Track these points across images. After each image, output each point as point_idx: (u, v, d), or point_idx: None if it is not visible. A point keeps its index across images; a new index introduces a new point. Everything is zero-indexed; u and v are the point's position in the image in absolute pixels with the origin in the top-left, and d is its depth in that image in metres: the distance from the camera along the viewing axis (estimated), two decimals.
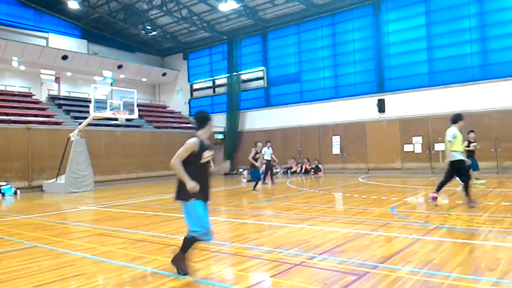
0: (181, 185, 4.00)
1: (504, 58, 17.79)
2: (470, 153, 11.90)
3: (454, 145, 7.95)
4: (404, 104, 19.90)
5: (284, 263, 4.56)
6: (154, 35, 27.34)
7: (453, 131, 8.02)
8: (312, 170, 21.33)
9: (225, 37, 26.55)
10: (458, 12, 18.93)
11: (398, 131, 19.79)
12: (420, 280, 3.82)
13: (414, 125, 19.36)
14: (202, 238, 4.11)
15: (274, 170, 18.19)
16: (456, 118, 8.20)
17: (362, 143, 20.74)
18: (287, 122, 23.53)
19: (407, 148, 19.44)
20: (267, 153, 14.40)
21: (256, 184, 13.29)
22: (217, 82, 27.76)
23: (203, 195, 4.09)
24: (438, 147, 18.46)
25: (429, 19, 19.77)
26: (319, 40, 23.19)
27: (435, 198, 8.46)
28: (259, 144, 13.51)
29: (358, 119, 21.04)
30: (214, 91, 28.00)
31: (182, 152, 4.01)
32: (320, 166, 21.25)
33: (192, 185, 3.90)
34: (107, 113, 16.58)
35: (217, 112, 26.91)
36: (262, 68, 25.35)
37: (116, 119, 17.32)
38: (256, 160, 13.26)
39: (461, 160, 7.99)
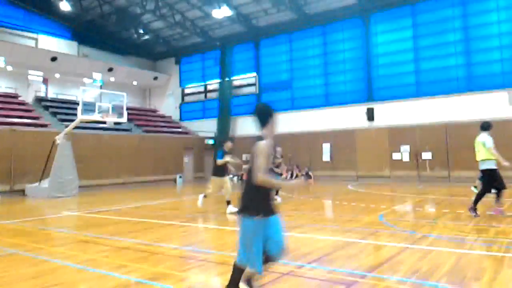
0: (252, 197, 3.24)
1: (487, 71, 18.23)
2: None
3: (487, 152, 7.61)
4: (392, 113, 20.10)
5: (272, 272, 4.47)
6: (146, 39, 27.21)
7: (487, 137, 7.68)
8: (303, 177, 21.31)
9: (217, 43, 26.55)
10: (444, 26, 19.41)
11: (386, 139, 19.93)
12: None
13: (402, 134, 19.52)
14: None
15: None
16: (487, 125, 7.89)
17: (352, 150, 20.84)
18: (278, 129, 23.52)
19: (395, 156, 19.57)
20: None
21: None
22: (209, 87, 27.69)
23: (271, 209, 3.34)
24: (425, 156, 18.65)
25: (416, 32, 20.19)
26: (310, 49, 23.40)
27: (501, 211, 7.97)
28: (279, 149, 12.28)
29: (347, 127, 21.16)
30: (205, 96, 27.90)
31: (263, 162, 3.15)
32: (310, 173, 21.26)
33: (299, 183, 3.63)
34: (95, 116, 16.32)
35: (208, 117, 26.81)
36: (254, 74, 25.38)
37: (105, 123, 17.06)
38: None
39: (495, 169, 7.67)
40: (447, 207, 9.61)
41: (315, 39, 23.24)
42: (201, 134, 26.50)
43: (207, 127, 26.50)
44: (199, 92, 28.25)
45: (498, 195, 7.83)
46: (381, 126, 20.19)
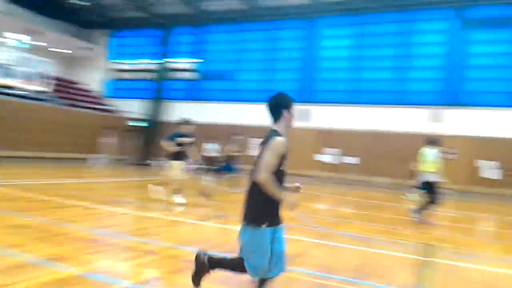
0: (259, 205, 2.90)
1: (414, 88, 19.98)
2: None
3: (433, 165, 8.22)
4: (326, 116, 21.07)
5: (182, 260, 4.46)
6: (80, 4, 25.27)
7: (434, 151, 8.34)
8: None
9: (159, 22, 25.54)
10: (381, 40, 20.87)
11: (316, 141, 20.81)
12: (311, 282, 4.00)
13: (332, 137, 20.55)
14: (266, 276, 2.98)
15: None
16: (434, 140, 8.56)
17: None
18: (215, 119, 23.40)
19: (322, 158, 20.56)
20: (211, 149, 14.30)
21: (226, 176, 12.92)
22: (143, 66, 26.59)
23: (278, 217, 3.03)
24: (349, 160, 19.90)
25: (357, 42, 21.39)
26: (257, 42, 23.60)
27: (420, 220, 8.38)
28: (238, 138, 12.66)
29: None
30: (139, 75, 26.77)
31: (271, 160, 2.80)
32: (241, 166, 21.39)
33: (290, 199, 2.89)
34: (14, 82, 14.85)
35: (138, 98, 25.75)
36: (196, 60, 24.94)
37: (24, 90, 15.58)
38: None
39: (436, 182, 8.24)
40: (361, 209, 10.33)
41: (262, 33, 23.45)
42: (129, 115, 25.39)
43: (136, 108, 25.47)
44: (132, 70, 27.03)
45: (427, 206, 8.27)
46: (312, 127, 21.02)
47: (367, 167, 19.74)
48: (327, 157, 20.56)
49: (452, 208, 12.43)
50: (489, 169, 17.43)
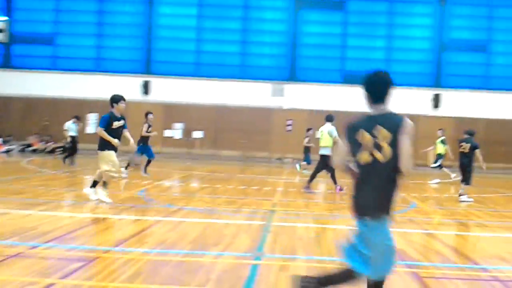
0: (394, 197, 2.56)
1: (258, 63, 21.28)
2: (307, 148, 14.53)
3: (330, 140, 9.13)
4: (169, 90, 20.79)
5: None
6: None
7: (333, 127, 9.24)
8: (61, 149, 19.32)
9: None
10: (226, 13, 21.41)
11: (161, 116, 20.44)
12: (151, 260, 3.99)
13: (177, 112, 20.51)
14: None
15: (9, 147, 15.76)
16: (331, 117, 9.52)
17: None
18: (32, 90, 20.52)
19: (168, 133, 20.41)
20: (72, 128, 13.41)
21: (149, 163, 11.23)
22: None
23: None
24: (196, 134, 20.33)
25: (200, 12, 21.46)
26: (83, 2, 21.36)
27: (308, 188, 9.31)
28: (151, 116, 11.38)
29: None
30: None
31: (410, 148, 2.49)
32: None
33: None
34: None
35: None
36: (3, 18, 21.15)
37: None
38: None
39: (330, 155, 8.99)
40: (207, 182, 10.73)
41: None
42: None
43: None
44: None
45: (333, 177, 9.38)
46: (157, 102, 20.52)
47: (214, 141, 20.52)
48: (173, 132, 20.52)
49: (290, 175, 14.02)
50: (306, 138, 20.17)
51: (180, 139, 20.52)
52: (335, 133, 9.26)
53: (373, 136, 2.48)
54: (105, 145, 6.69)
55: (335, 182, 9.35)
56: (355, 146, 2.56)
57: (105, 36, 21.41)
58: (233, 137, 20.52)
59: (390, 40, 21.25)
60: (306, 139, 14.91)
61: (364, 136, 2.51)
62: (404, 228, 6.05)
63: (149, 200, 7.57)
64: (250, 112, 20.60)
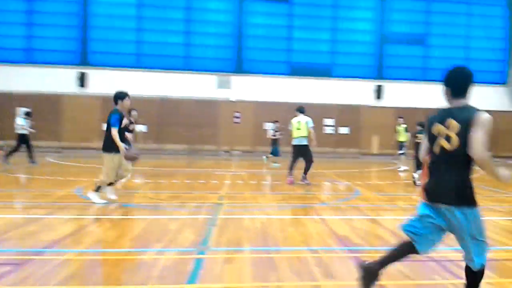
0: (471, 184, 2.75)
1: (202, 54, 21.02)
2: (274, 141, 14.93)
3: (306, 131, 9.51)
4: (108, 82, 19.83)
5: None
6: None
7: (308, 118, 9.62)
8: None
9: None
10: (168, 2, 20.93)
11: (99, 109, 19.62)
12: (88, 260, 3.84)
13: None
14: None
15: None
16: (303, 109, 9.91)
17: (54, 119, 19.46)
18: None
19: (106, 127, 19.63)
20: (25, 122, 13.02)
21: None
22: None
23: None
24: (138, 128, 19.64)
25: (141, 1, 20.80)
26: None
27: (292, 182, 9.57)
28: (134, 113, 10.52)
29: (54, 91, 19.46)
30: None
31: (486, 138, 2.63)
32: None
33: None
34: None
35: None
36: None
37: None
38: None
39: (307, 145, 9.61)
40: (150, 178, 10.49)
41: None
42: None
43: None
44: None
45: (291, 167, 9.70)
46: (95, 94, 19.67)
47: (157, 135, 20.06)
48: None
49: (238, 167, 14.06)
50: (270, 130, 20.38)
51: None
52: (311, 124, 9.69)
53: (445, 127, 2.74)
54: (112, 147, 6.48)
55: (290, 169, 9.70)
56: (431, 138, 2.84)
57: (37, 26, 20.14)
58: (178, 130, 20.22)
59: (334, 33, 21.86)
60: (272, 132, 15.25)
61: (438, 128, 2.80)
62: (348, 215, 6.32)
63: (86, 198, 7.26)
64: (196, 105, 20.36)
